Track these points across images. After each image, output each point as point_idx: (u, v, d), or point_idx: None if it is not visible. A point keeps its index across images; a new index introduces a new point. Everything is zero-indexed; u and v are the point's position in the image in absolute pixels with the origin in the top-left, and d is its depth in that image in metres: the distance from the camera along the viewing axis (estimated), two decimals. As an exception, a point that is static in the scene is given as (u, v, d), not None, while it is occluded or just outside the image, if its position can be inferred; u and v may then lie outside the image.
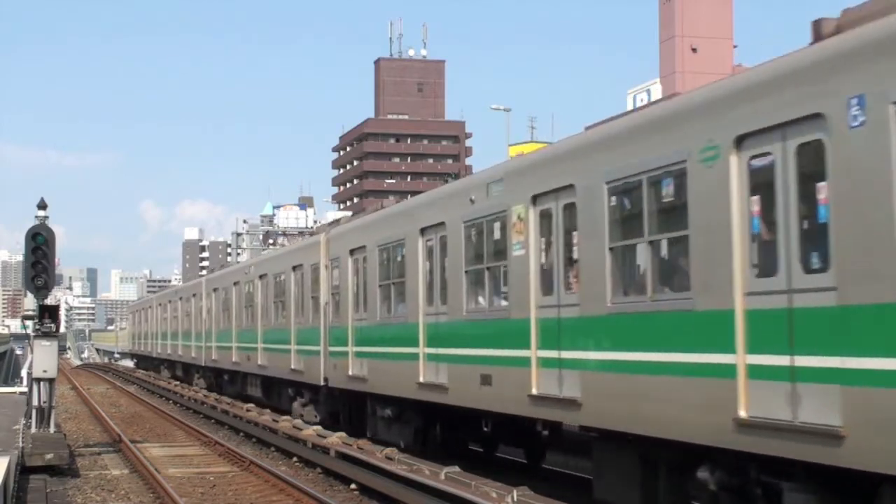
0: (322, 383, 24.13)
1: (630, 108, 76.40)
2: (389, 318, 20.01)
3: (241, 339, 33.85)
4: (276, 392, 30.91)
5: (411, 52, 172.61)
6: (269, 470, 19.22)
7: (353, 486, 17.58)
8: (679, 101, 12.19)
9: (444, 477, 16.22)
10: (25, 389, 29.78)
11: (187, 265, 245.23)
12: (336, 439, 20.99)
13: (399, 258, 19.46)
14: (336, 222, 26.75)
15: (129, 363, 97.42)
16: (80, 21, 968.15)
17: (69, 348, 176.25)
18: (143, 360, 67.97)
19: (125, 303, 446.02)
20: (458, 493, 14.36)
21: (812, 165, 9.41)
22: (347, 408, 23.72)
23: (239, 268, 37.56)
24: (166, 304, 53.74)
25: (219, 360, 38.10)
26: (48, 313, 22.81)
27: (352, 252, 22.14)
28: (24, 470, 18.24)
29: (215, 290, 39.24)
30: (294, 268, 27.07)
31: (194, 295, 44.39)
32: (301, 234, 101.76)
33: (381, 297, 20.29)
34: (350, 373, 21.81)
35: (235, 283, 35.21)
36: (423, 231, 18.30)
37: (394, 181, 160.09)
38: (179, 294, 50.07)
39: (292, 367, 26.73)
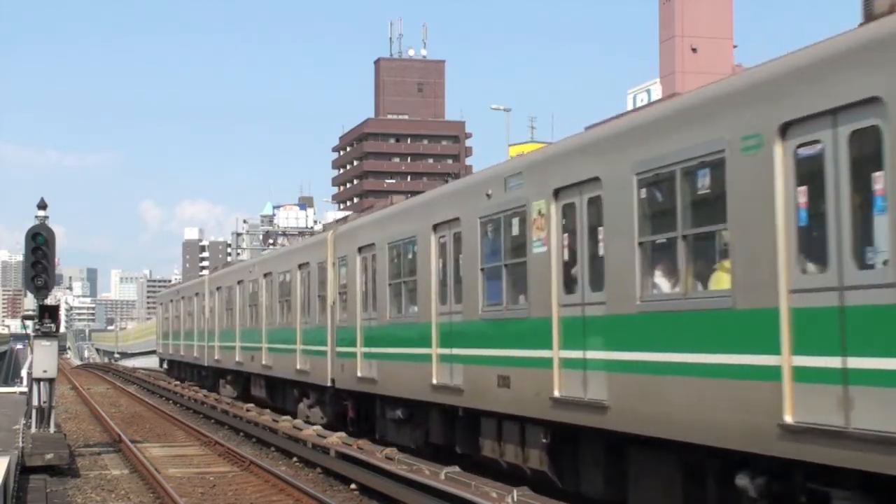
0: None
1: (630, 107, 76.37)
2: None
3: (452, 339, 17.11)
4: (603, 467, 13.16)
5: (411, 52, 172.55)
6: (269, 470, 19.22)
7: (353, 486, 17.60)
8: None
9: (444, 477, 16.21)
10: (25, 389, 29.77)
11: (187, 265, 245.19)
12: (336, 439, 20.98)
13: None
14: None
15: (133, 363, 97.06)
16: (80, 21, 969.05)
17: (69, 348, 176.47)
18: (182, 369, 49.96)
19: (125, 303, 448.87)
20: (458, 493, 14.35)
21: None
22: None
23: (436, 197, 19.05)
24: (234, 285, 36.22)
25: (372, 377, 20.93)
26: (48, 313, 22.82)
27: None
28: (24, 470, 18.25)
29: (362, 249, 21.89)
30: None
31: (301, 266, 27.11)
32: (301, 234, 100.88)
33: None
34: None
35: (410, 241, 19.16)
36: None
37: (394, 181, 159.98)
38: (264, 268, 31.98)
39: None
